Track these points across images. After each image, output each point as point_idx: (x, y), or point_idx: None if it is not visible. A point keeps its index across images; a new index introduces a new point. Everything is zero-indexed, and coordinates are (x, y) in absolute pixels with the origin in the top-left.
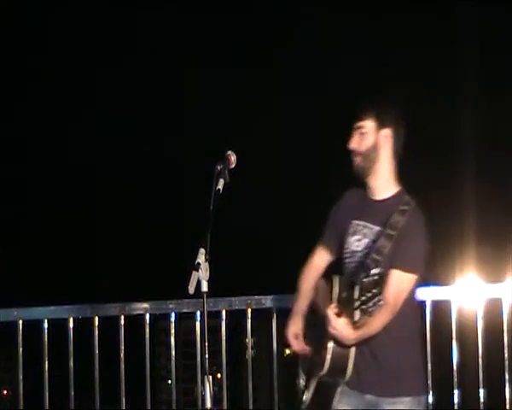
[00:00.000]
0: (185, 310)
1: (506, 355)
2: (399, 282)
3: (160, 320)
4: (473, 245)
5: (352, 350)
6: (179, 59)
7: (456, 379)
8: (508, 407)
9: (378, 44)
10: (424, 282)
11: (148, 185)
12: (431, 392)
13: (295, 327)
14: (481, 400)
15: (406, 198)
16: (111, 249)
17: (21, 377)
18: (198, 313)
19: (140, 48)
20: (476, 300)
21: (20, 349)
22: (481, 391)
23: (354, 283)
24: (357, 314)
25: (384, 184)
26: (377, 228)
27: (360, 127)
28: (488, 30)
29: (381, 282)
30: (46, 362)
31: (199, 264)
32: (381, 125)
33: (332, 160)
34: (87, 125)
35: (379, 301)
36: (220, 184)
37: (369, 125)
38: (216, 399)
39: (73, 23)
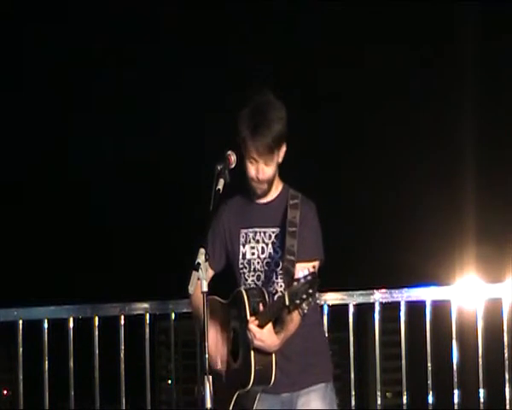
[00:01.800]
0: (185, 310)
1: (506, 355)
2: (300, 273)
3: (160, 320)
4: (473, 245)
5: (273, 356)
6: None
7: (456, 379)
8: (508, 407)
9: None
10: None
11: (148, 186)
12: (431, 392)
13: (213, 339)
14: (481, 400)
15: (292, 192)
16: (111, 249)
17: (21, 377)
18: None
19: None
20: (476, 300)
21: (20, 349)
22: (481, 391)
23: (268, 294)
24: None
25: (272, 189)
26: (271, 230)
27: (267, 159)
28: (488, 30)
29: (314, 282)
30: (46, 362)
31: (199, 264)
32: (281, 145)
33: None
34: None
35: (314, 301)
36: (220, 184)
37: (275, 155)
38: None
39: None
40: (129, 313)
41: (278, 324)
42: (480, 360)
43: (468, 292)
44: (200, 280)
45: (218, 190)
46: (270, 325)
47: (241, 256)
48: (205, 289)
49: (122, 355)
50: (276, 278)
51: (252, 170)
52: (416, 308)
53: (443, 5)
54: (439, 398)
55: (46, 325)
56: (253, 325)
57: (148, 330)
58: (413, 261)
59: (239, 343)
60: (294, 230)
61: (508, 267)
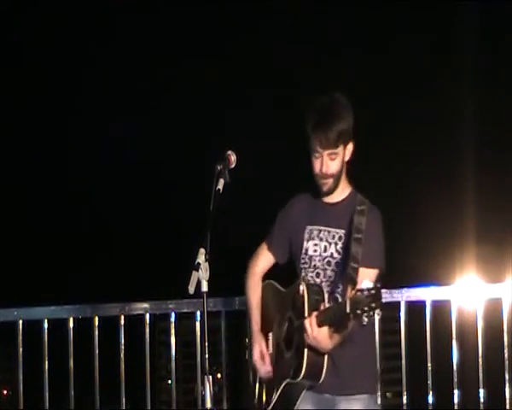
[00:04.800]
0: (185, 310)
1: (506, 355)
2: (367, 278)
3: (160, 320)
4: (473, 245)
5: (326, 356)
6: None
7: (456, 379)
8: (508, 407)
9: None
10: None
11: (148, 185)
12: (431, 392)
13: (261, 346)
14: (481, 400)
15: (360, 198)
16: (111, 249)
17: (21, 377)
18: (198, 313)
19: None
20: (476, 300)
21: (20, 349)
22: (481, 391)
23: (331, 293)
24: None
25: (340, 189)
26: (335, 231)
27: (332, 153)
28: (488, 29)
29: (377, 297)
30: (46, 362)
31: (199, 264)
32: (347, 142)
33: None
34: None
35: (375, 314)
36: (220, 184)
37: (339, 150)
38: (216, 399)
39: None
40: (129, 313)
41: (334, 328)
42: (480, 360)
43: (468, 292)
44: (200, 280)
45: (218, 189)
46: (326, 328)
47: (303, 251)
48: (205, 289)
49: (122, 355)
50: (335, 279)
51: (317, 164)
52: (415, 308)
53: (443, 5)
54: (438, 398)
55: (46, 325)
56: (311, 322)
57: (148, 330)
58: (413, 261)
59: (293, 334)
60: (360, 236)
61: (508, 267)
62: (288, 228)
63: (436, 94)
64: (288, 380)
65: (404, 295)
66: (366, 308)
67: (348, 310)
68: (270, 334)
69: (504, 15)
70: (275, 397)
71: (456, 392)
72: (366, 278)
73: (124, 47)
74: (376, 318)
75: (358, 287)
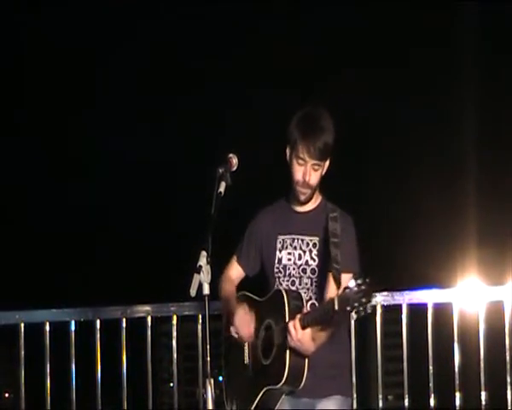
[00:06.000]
0: (187, 313)
1: (508, 358)
2: (342, 283)
3: (161, 323)
4: (474, 248)
5: (307, 360)
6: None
7: (457, 382)
8: (510, 409)
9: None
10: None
11: (149, 187)
12: (433, 395)
13: (243, 310)
14: (483, 402)
15: (331, 205)
16: (112, 252)
17: (23, 379)
18: (200, 316)
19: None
20: (478, 302)
21: (22, 352)
22: (483, 394)
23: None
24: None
25: (312, 199)
26: (309, 238)
27: (316, 164)
28: (488, 29)
29: (368, 292)
30: (48, 365)
31: (200, 267)
32: (329, 157)
33: None
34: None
35: (366, 311)
36: (222, 187)
37: (324, 163)
38: (217, 401)
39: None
40: (130, 315)
41: (320, 328)
42: (482, 362)
43: (470, 295)
44: (202, 283)
45: (220, 193)
46: (309, 330)
47: (276, 261)
48: (206, 292)
49: (124, 358)
50: (311, 285)
51: (299, 172)
52: (417, 311)
53: (442, 5)
54: (440, 401)
55: (48, 328)
56: (295, 324)
57: (149, 332)
58: (414, 264)
59: (273, 341)
60: (337, 241)
61: (509, 270)
62: (257, 240)
63: (436, 95)
64: (268, 387)
65: (406, 298)
66: (356, 304)
67: (337, 308)
68: (246, 344)
69: (504, 15)
70: (252, 407)
71: (457, 395)
72: (345, 282)
73: (124, 47)
74: (368, 312)
75: (346, 285)
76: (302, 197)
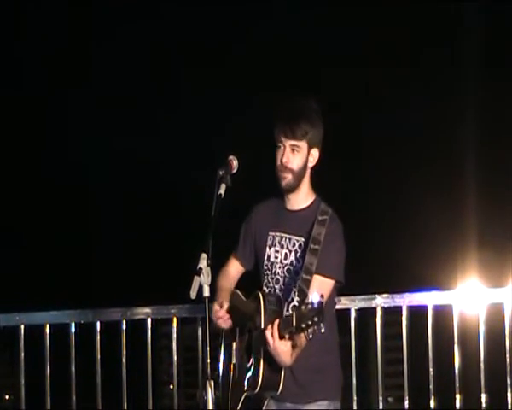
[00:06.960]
0: (187, 315)
1: (508, 360)
2: (321, 287)
3: (161, 325)
4: (474, 250)
5: (283, 368)
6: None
7: (458, 384)
8: None
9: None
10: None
11: (149, 189)
12: (433, 397)
13: (223, 299)
14: (483, 405)
15: (323, 207)
16: (113, 254)
17: (23, 382)
18: (200, 318)
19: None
20: (478, 305)
21: (22, 354)
22: (483, 396)
23: (284, 302)
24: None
25: (303, 196)
26: (296, 238)
27: (294, 145)
28: (488, 29)
29: (322, 311)
30: (48, 367)
31: (200, 269)
32: (312, 145)
33: None
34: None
35: (320, 329)
36: (222, 189)
37: (303, 145)
38: (217, 404)
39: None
40: (131, 317)
41: (293, 342)
42: (482, 364)
43: (470, 297)
44: (202, 285)
45: (220, 194)
46: (289, 343)
47: (265, 258)
48: (206, 294)
49: (124, 360)
50: (295, 287)
51: (278, 155)
52: (417, 313)
53: (442, 5)
54: (440, 403)
55: (48, 330)
56: (273, 332)
57: (149, 334)
58: (415, 266)
59: (252, 345)
60: (317, 247)
61: (510, 272)
62: (252, 235)
63: (436, 96)
64: (247, 393)
65: (406, 300)
66: (309, 322)
67: (294, 323)
68: (234, 344)
69: (504, 15)
70: (238, 407)
71: (458, 397)
72: (319, 287)
73: (124, 47)
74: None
75: (307, 300)
76: (283, 182)
